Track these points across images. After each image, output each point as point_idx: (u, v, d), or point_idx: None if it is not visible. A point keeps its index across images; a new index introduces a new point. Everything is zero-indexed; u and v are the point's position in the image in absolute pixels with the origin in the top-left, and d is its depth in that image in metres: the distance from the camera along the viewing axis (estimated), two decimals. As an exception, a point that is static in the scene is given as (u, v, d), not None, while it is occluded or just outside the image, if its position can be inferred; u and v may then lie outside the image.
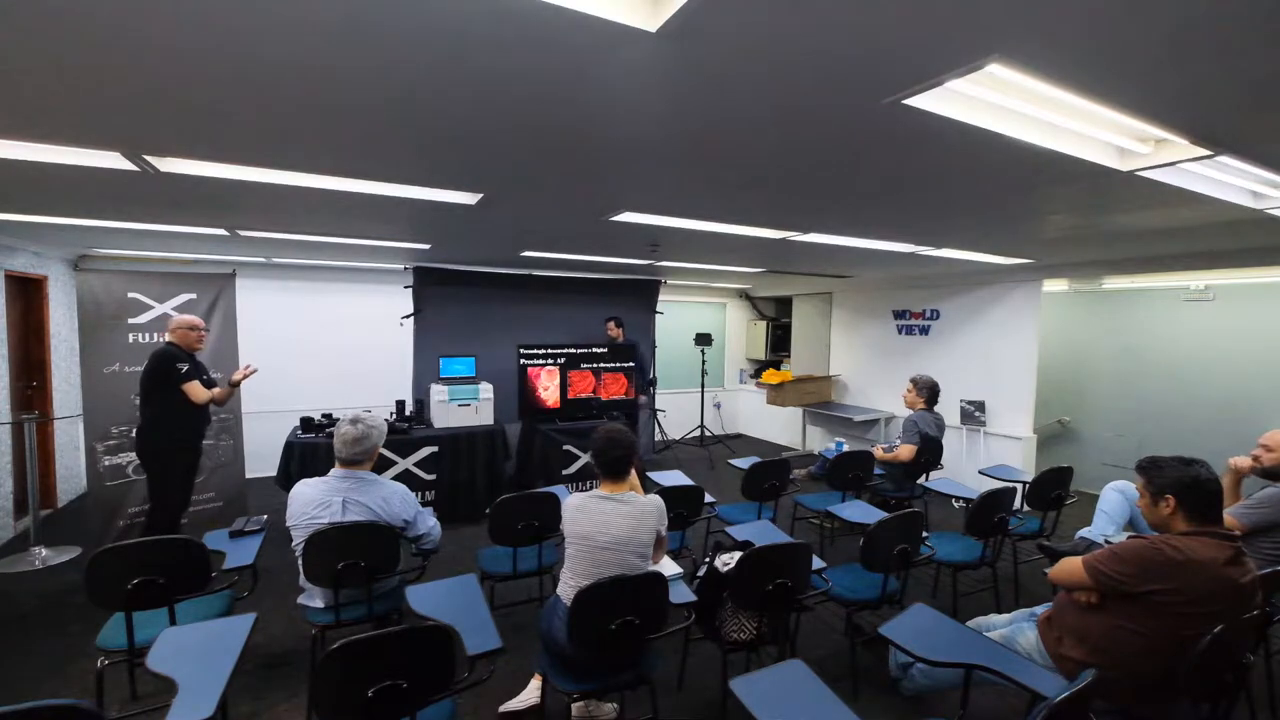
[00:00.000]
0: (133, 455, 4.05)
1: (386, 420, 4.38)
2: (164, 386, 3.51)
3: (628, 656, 2.14)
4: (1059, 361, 6.11)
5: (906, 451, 4.36)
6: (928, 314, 6.57)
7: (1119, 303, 5.90)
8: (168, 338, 3.71)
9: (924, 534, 2.97)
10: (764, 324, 8.77)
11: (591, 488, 2.40)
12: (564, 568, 2.27)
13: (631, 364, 6.08)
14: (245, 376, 3.82)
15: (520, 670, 2.78)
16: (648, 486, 3.89)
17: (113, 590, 2.19)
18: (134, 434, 3.76)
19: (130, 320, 4.24)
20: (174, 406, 3.54)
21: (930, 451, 4.44)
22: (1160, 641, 1.86)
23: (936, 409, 4.58)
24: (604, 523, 2.22)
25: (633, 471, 2.43)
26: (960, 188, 2.63)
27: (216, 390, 3.72)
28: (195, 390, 3.55)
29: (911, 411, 4.58)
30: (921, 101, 1.62)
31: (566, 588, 2.21)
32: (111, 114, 1.80)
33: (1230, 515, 2.63)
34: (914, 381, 4.64)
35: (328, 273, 6.34)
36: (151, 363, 3.54)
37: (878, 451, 4.59)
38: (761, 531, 3.06)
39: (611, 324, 6.35)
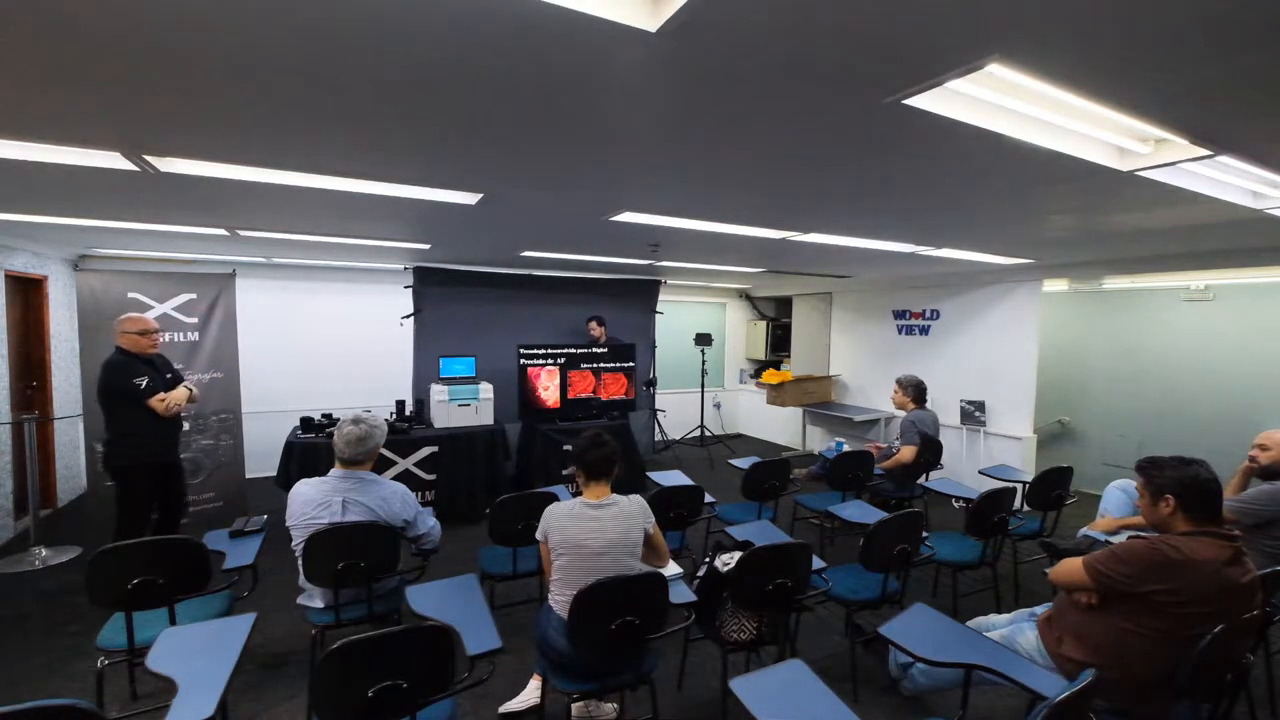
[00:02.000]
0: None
1: (386, 420, 4.38)
2: (125, 404, 3.27)
3: (627, 657, 2.14)
4: (1059, 361, 6.10)
5: (908, 453, 4.36)
6: (928, 314, 6.56)
7: (1119, 303, 5.90)
8: (117, 341, 3.38)
9: (924, 534, 2.97)
10: (764, 324, 8.77)
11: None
12: (553, 579, 2.25)
13: (631, 364, 6.08)
14: (193, 399, 3.58)
15: (520, 670, 2.78)
16: (647, 486, 3.89)
17: (113, 590, 2.19)
18: (103, 446, 3.46)
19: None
20: (138, 422, 3.29)
21: (930, 451, 4.44)
22: (1160, 641, 1.86)
23: (928, 405, 4.59)
24: (596, 528, 2.21)
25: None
26: (961, 188, 2.63)
27: (181, 391, 3.47)
28: (160, 404, 3.33)
29: (904, 413, 4.59)
30: (921, 101, 1.62)
31: (559, 599, 2.20)
32: (111, 114, 1.80)
33: (1227, 510, 2.63)
34: (899, 383, 4.65)
35: (328, 273, 6.34)
36: (105, 378, 3.27)
37: (874, 449, 4.60)
38: (761, 531, 3.06)
39: (594, 324, 6.25)
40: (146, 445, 3.38)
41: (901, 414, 4.63)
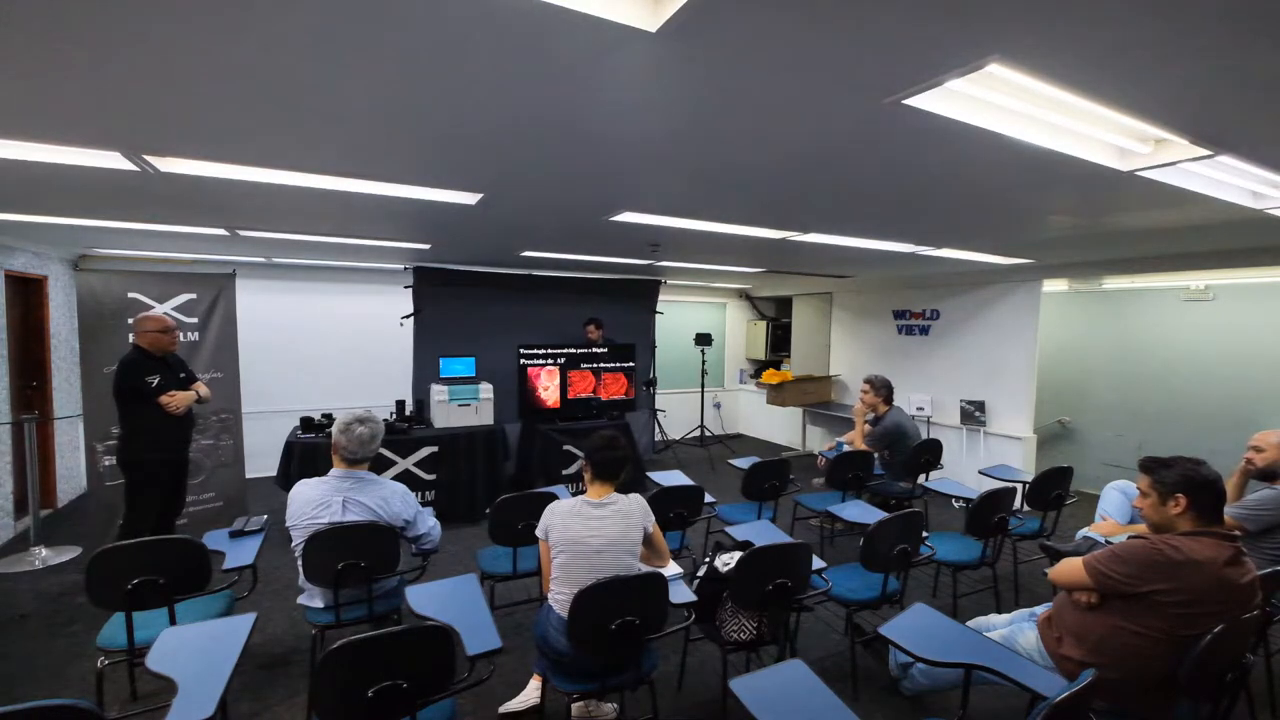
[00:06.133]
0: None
1: (385, 420, 4.39)
2: (138, 402, 3.33)
3: (627, 657, 2.14)
4: (1059, 361, 6.11)
5: (860, 443, 4.46)
6: (928, 314, 6.57)
7: (1119, 303, 5.90)
8: (133, 339, 3.47)
9: (924, 534, 2.97)
10: (764, 324, 8.77)
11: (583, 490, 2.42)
12: (553, 578, 2.26)
13: (631, 364, 6.08)
14: (202, 399, 3.64)
15: (520, 670, 2.78)
16: (647, 486, 3.89)
17: (113, 590, 2.19)
18: (115, 441, 3.56)
19: (130, 320, 4.23)
20: (152, 419, 3.36)
21: (930, 451, 4.45)
22: (1160, 641, 1.86)
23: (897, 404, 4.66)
24: (597, 527, 2.23)
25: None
26: (961, 187, 2.63)
27: (195, 389, 3.54)
28: (166, 402, 3.39)
29: (876, 415, 4.57)
30: (921, 101, 1.62)
31: (559, 597, 2.21)
32: (111, 114, 1.80)
33: (1231, 516, 2.63)
34: (871, 383, 4.58)
35: (328, 273, 6.34)
36: (119, 375, 3.34)
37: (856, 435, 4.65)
38: (761, 531, 3.06)
39: (591, 326, 6.21)
40: (158, 442, 3.45)
41: (874, 416, 4.63)
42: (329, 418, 4.75)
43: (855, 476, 4.14)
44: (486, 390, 5.24)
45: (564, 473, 5.52)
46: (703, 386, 7.76)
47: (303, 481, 2.52)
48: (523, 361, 5.55)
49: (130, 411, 3.38)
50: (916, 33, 1.28)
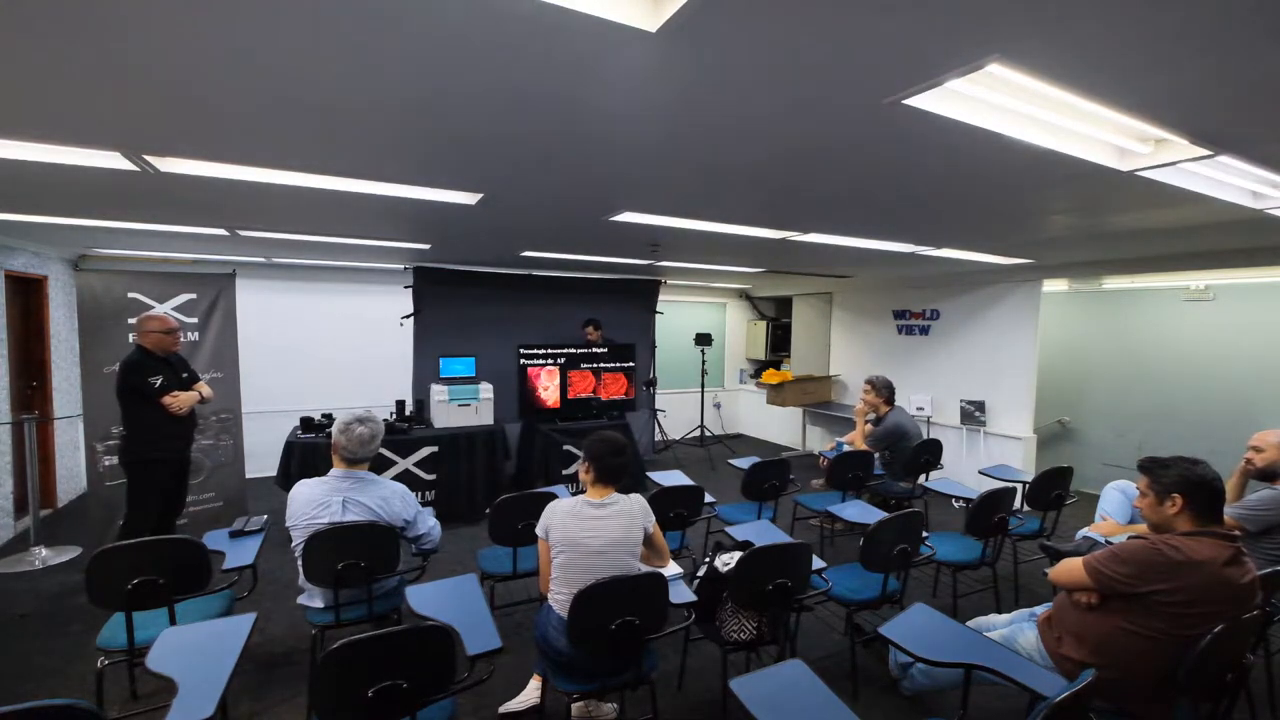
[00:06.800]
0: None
1: (385, 420, 4.39)
2: (141, 401, 3.34)
3: (627, 657, 2.14)
4: (1059, 361, 6.11)
5: (860, 443, 4.50)
6: (928, 314, 6.57)
7: (1119, 303, 5.90)
8: (134, 339, 3.48)
9: (924, 534, 2.97)
10: (764, 324, 8.77)
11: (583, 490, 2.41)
12: (553, 578, 2.26)
13: (631, 364, 6.08)
14: (205, 399, 3.65)
15: (520, 670, 2.78)
16: (647, 486, 3.89)
17: (113, 590, 2.19)
18: (116, 440, 3.57)
19: (130, 320, 4.23)
20: (154, 418, 3.37)
21: (930, 451, 4.45)
22: (1160, 642, 1.86)
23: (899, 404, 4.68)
24: (597, 527, 2.22)
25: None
26: (961, 188, 2.63)
27: (198, 390, 3.56)
28: (170, 402, 3.40)
29: (878, 415, 4.59)
30: (921, 101, 1.62)
31: (559, 597, 2.21)
32: (111, 114, 1.80)
33: (1231, 517, 2.63)
34: (872, 384, 4.59)
35: (328, 273, 6.34)
36: (122, 376, 3.35)
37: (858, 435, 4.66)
38: (761, 531, 3.06)
39: (590, 328, 6.19)
40: (160, 441, 3.45)
41: (874, 417, 4.66)
42: (329, 418, 4.74)
43: (855, 476, 4.14)
44: (486, 390, 5.24)
45: (564, 473, 5.52)
46: (703, 386, 7.76)
47: (303, 481, 2.52)
48: (523, 361, 5.55)
49: (133, 411, 3.39)
50: (917, 33, 1.28)
